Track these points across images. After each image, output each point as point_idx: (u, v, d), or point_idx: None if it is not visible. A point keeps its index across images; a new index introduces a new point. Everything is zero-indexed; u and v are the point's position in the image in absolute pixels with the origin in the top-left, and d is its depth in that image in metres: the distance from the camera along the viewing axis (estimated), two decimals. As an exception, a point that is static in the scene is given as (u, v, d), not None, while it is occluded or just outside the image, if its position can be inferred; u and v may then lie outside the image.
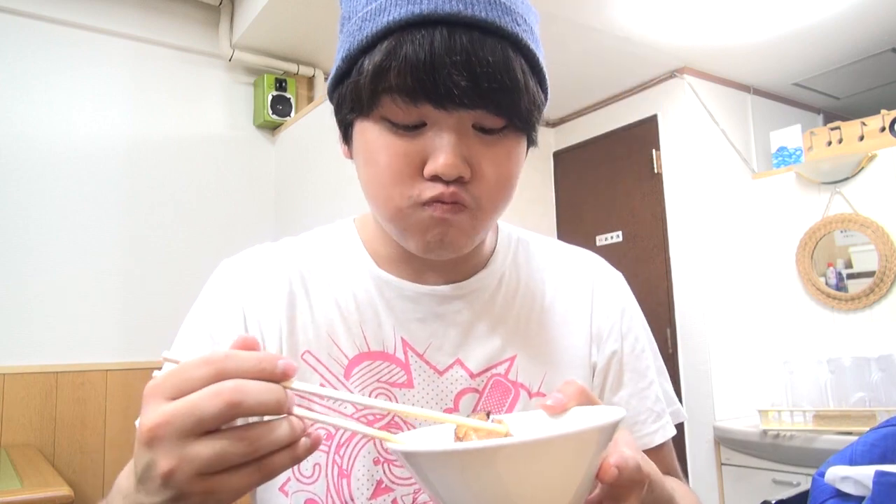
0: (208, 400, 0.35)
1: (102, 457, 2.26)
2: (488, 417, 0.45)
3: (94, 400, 2.28)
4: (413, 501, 0.61)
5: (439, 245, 0.57)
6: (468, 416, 0.63)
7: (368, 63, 0.52)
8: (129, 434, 2.32)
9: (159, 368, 0.43)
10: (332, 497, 0.60)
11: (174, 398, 0.36)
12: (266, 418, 0.38)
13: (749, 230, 2.98)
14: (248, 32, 2.57)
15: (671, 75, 2.96)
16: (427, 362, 0.63)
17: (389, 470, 0.61)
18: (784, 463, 2.41)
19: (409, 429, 0.61)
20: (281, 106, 2.73)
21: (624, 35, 2.60)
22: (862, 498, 0.57)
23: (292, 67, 2.79)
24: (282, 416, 0.38)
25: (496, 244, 0.71)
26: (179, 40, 2.64)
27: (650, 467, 0.46)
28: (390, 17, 0.51)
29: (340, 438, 0.61)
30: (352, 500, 0.60)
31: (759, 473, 2.50)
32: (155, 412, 0.36)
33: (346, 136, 0.61)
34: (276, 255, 0.68)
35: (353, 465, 0.60)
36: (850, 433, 2.20)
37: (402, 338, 0.64)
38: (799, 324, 2.83)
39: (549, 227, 3.50)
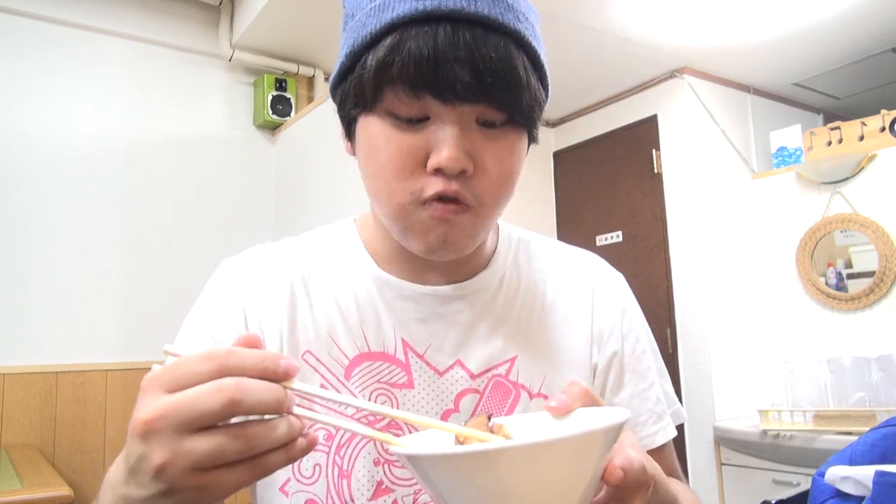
0: (208, 396, 0.35)
1: (102, 457, 2.26)
2: (489, 419, 0.45)
3: (94, 400, 2.27)
4: (413, 502, 0.61)
5: (441, 246, 0.57)
6: (469, 417, 0.63)
7: (372, 58, 0.53)
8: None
9: (162, 364, 0.43)
10: (332, 498, 0.60)
11: (173, 391, 0.36)
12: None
13: (749, 230, 2.98)
14: (248, 32, 2.57)
15: (671, 75, 2.96)
16: (427, 363, 0.63)
17: (390, 471, 0.61)
18: (784, 463, 2.41)
19: (410, 430, 0.61)
20: (281, 106, 2.73)
21: (624, 35, 2.60)
22: (862, 498, 0.57)
23: (292, 67, 2.79)
24: (280, 415, 0.37)
25: (497, 244, 0.70)
26: (179, 40, 2.64)
27: (655, 469, 0.46)
28: (394, 13, 0.52)
29: (341, 439, 0.61)
30: (352, 500, 0.60)
31: (759, 473, 2.50)
32: (152, 404, 0.36)
33: (349, 132, 0.61)
34: (277, 255, 0.68)
35: (353, 465, 0.60)
36: (850, 433, 2.20)
37: (402, 338, 0.64)
38: (799, 324, 2.83)
39: (549, 227, 3.50)
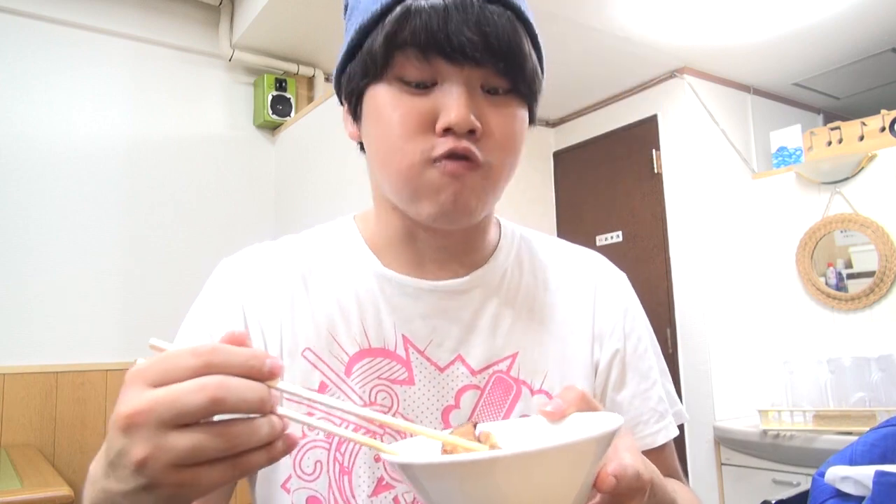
0: (192, 394, 0.35)
1: (102, 457, 2.26)
2: (475, 427, 0.45)
3: (94, 400, 2.28)
4: (414, 499, 0.61)
5: (452, 206, 0.57)
6: (470, 413, 0.63)
7: (383, 27, 0.56)
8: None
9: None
10: (334, 494, 0.60)
11: (157, 386, 0.36)
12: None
13: (749, 230, 2.98)
14: (248, 32, 2.57)
15: (671, 75, 2.96)
16: (428, 359, 0.63)
17: (390, 468, 0.61)
18: (784, 463, 2.41)
19: (408, 431, 0.61)
20: (281, 106, 2.73)
21: (624, 35, 2.60)
22: (862, 498, 0.57)
23: (292, 67, 2.79)
24: (264, 415, 0.37)
25: (499, 240, 0.70)
26: (179, 40, 2.64)
27: (652, 472, 0.46)
28: None
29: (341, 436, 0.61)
30: (353, 497, 0.60)
31: (759, 473, 2.50)
32: (135, 398, 0.36)
33: (356, 112, 0.62)
34: (276, 254, 0.68)
35: (354, 462, 0.60)
36: (850, 433, 2.20)
37: (402, 334, 0.64)
38: (799, 324, 2.83)
39: (549, 227, 3.50)
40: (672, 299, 2.91)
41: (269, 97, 2.70)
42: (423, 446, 0.45)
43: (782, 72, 3.03)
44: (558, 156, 3.58)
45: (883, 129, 2.64)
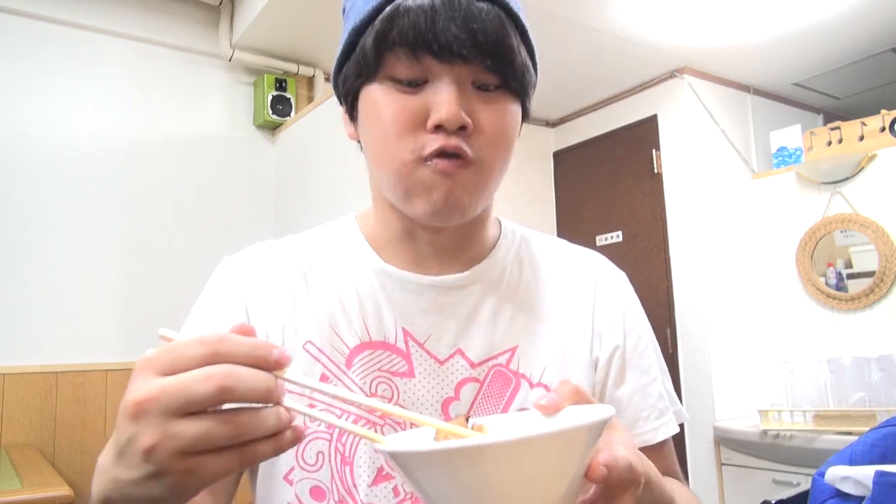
0: (199, 382, 0.35)
1: (102, 457, 2.26)
2: (468, 420, 0.45)
3: (94, 400, 2.28)
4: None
5: (445, 205, 0.58)
6: (470, 406, 0.64)
7: (374, 27, 0.57)
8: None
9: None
10: (336, 484, 0.61)
11: (165, 374, 0.36)
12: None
13: (749, 230, 2.98)
14: (248, 32, 2.57)
15: (671, 75, 2.96)
16: (428, 352, 0.64)
17: None
18: (784, 463, 2.41)
19: (411, 424, 0.61)
20: (281, 106, 2.73)
21: (624, 35, 2.60)
22: (862, 498, 0.57)
23: (292, 67, 2.79)
24: (270, 404, 0.38)
25: (499, 238, 0.71)
26: (179, 40, 2.64)
27: (647, 466, 0.46)
28: None
29: None
30: (354, 487, 0.61)
31: (759, 473, 2.50)
32: (144, 386, 0.36)
33: (353, 112, 0.64)
34: (277, 251, 0.69)
35: (354, 452, 0.61)
36: (850, 433, 2.20)
37: (402, 328, 0.64)
38: (799, 324, 2.83)
39: (549, 227, 3.50)
40: (672, 299, 2.91)
41: (269, 97, 2.70)
42: (419, 438, 0.45)
43: (782, 72, 3.03)
44: (558, 156, 3.58)
45: (883, 129, 2.64)
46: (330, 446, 0.61)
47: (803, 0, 2.39)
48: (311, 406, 0.59)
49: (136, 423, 0.36)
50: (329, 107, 2.34)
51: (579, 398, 0.46)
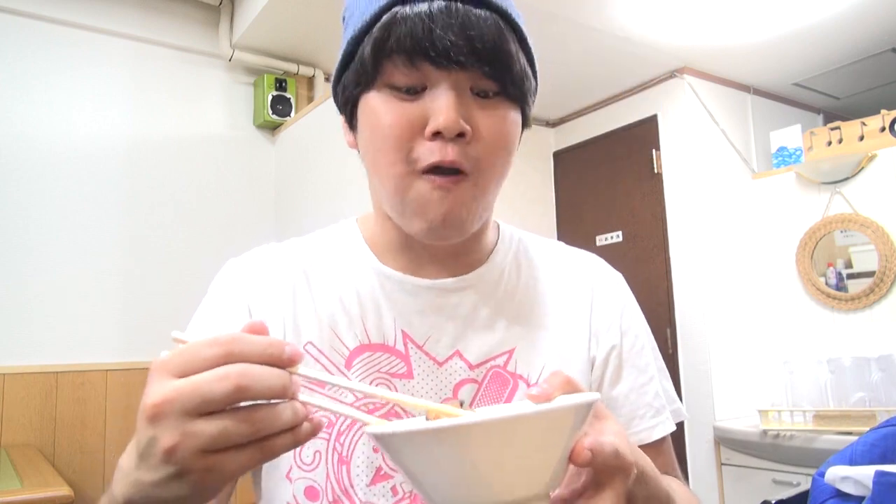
0: (215, 382, 0.36)
1: (102, 457, 2.26)
2: (461, 406, 0.45)
3: (94, 400, 2.28)
4: (411, 488, 0.61)
5: (442, 223, 0.58)
6: (468, 407, 0.63)
7: (372, 35, 0.57)
8: (129, 434, 2.33)
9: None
10: (331, 484, 0.61)
11: (181, 376, 0.37)
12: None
13: (749, 230, 2.98)
14: (248, 32, 2.57)
15: (671, 75, 2.96)
16: (426, 353, 0.65)
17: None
18: (784, 463, 2.41)
19: (409, 417, 0.61)
20: (281, 106, 2.73)
21: (624, 35, 2.60)
22: (862, 498, 0.57)
23: (292, 67, 2.79)
24: (286, 400, 0.38)
25: (497, 241, 0.72)
26: (179, 40, 2.64)
27: (639, 457, 0.46)
28: None
29: (341, 426, 0.62)
30: (351, 486, 0.61)
31: (759, 473, 2.50)
32: (161, 389, 0.37)
33: (352, 121, 0.64)
34: (280, 254, 0.69)
35: (352, 452, 0.61)
36: (850, 433, 2.20)
37: (402, 330, 0.65)
38: (799, 324, 2.83)
39: (549, 227, 3.50)
40: (672, 299, 2.91)
41: (269, 97, 2.70)
42: (409, 423, 0.45)
43: (782, 72, 3.03)
44: (558, 156, 3.58)
45: (883, 129, 2.64)
46: (328, 446, 0.62)
47: (803, 0, 2.39)
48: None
49: (156, 426, 0.37)
50: (329, 107, 2.34)
51: (570, 388, 0.46)
